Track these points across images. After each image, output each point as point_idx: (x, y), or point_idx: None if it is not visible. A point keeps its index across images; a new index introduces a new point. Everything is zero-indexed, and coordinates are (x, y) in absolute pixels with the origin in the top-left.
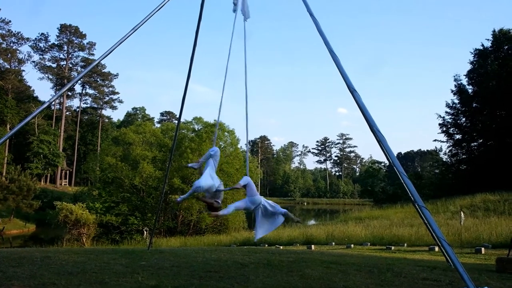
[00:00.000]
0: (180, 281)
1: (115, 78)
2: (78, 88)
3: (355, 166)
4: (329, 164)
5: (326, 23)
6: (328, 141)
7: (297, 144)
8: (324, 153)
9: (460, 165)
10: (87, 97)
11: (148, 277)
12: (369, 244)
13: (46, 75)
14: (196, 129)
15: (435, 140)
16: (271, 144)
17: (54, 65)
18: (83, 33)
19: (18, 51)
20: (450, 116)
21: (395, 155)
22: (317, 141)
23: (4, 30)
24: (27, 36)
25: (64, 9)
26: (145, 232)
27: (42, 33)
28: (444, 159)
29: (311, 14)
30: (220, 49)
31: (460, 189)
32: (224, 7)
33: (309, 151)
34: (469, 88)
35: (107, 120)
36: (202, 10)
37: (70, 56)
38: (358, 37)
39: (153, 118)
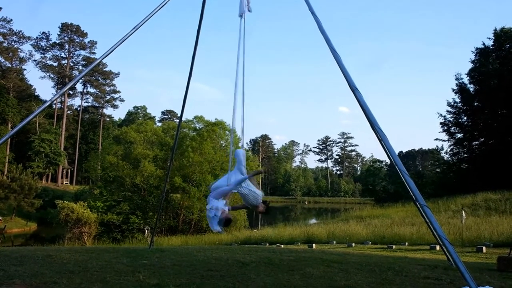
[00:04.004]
0: (182, 280)
1: (116, 77)
2: (79, 87)
3: (356, 165)
4: (330, 163)
5: (328, 22)
6: (329, 140)
7: (298, 143)
8: (325, 152)
9: (461, 164)
10: (88, 96)
11: (150, 276)
12: (370, 243)
13: (47, 74)
14: (197, 127)
15: (436, 139)
16: (272, 143)
17: (55, 64)
18: (84, 31)
19: (19, 50)
20: (451, 115)
21: (397, 154)
22: (318, 140)
23: (6, 29)
24: (28, 35)
25: (65, 8)
26: (146, 231)
27: (43, 32)
28: (446, 158)
29: (313, 13)
30: (222, 47)
31: (461, 188)
32: (225, 6)
33: (310, 150)
34: (471, 87)
35: (108, 119)
36: (203, 9)
37: (71, 55)
38: (359, 35)
39: (154, 117)
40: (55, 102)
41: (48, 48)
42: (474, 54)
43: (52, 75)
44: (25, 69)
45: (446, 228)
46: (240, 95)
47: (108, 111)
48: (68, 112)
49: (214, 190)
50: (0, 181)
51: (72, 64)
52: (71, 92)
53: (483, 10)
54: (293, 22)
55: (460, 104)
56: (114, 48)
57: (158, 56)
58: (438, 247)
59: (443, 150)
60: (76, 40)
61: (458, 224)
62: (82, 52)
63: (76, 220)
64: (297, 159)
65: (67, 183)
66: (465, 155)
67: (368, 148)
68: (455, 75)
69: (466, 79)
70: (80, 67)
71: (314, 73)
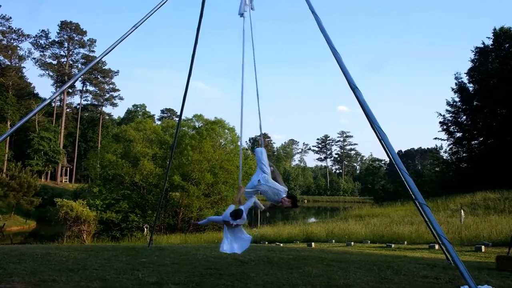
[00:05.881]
0: (181, 278)
1: (115, 75)
2: (78, 85)
3: (355, 164)
4: (329, 162)
5: (328, 21)
6: (328, 138)
7: (298, 142)
8: (325, 150)
9: (460, 163)
10: (87, 94)
11: (149, 274)
12: (369, 242)
13: (47, 72)
14: (197, 126)
15: (435, 138)
16: (272, 142)
17: (54, 62)
18: (84, 30)
19: (18, 48)
20: (450, 114)
21: (396, 153)
22: (318, 139)
23: (5, 26)
24: (28, 32)
25: (64, 6)
26: (145, 229)
27: (42, 30)
28: (445, 157)
29: (313, 12)
30: (222, 46)
31: (460, 187)
32: (225, 5)
33: (309, 149)
34: (470, 86)
35: (107, 117)
36: (203, 8)
37: (70, 53)
38: (359, 35)
39: (153, 115)
40: (54, 100)
41: (47, 46)
42: (473, 53)
43: (51, 73)
44: (24, 67)
45: (445, 227)
46: (244, 94)
47: (107, 109)
48: (68, 110)
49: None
50: None
51: (71, 62)
52: (70, 90)
53: (482, 10)
54: (293, 20)
55: (459, 104)
56: (114, 46)
57: (157, 55)
58: (437, 246)
59: (442, 149)
60: (76, 38)
61: (457, 223)
62: (82, 50)
63: (75, 218)
64: (297, 158)
65: (66, 181)
66: (464, 154)
67: (368, 147)
68: (455, 75)
69: (465, 79)
70: (80, 65)
71: (313, 72)
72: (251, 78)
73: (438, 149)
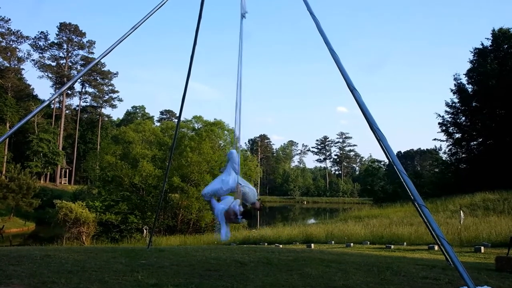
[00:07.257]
0: (180, 279)
1: (114, 77)
2: (77, 86)
3: (354, 165)
4: (328, 163)
5: (326, 22)
6: (327, 140)
7: (297, 143)
8: (324, 152)
9: (459, 164)
10: (86, 96)
11: (148, 275)
12: (368, 243)
13: (46, 74)
14: (196, 127)
15: (435, 139)
16: (271, 143)
17: (53, 64)
18: (83, 31)
19: (17, 50)
20: (449, 115)
21: (395, 154)
22: (317, 140)
23: (4, 28)
24: (27, 34)
25: (63, 8)
26: (144, 230)
27: (41, 32)
28: (444, 158)
29: (311, 13)
30: (220, 47)
31: (459, 188)
32: (224, 6)
33: (308, 150)
34: (469, 87)
35: (106, 119)
36: (202, 9)
37: (69, 54)
38: (358, 36)
39: (152, 116)
40: (53, 101)
41: (46, 48)
42: (472, 54)
43: (50, 75)
44: (23, 69)
45: (445, 228)
46: (240, 95)
47: (106, 111)
48: (67, 111)
49: (209, 194)
50: None
51: (70, 64)
52: (69, 91)
53: (481, 11)
54: (291, 21)
55: (458, 104)
56: (113, 48)
57: (157, 56)
58: (436, 247)
59: (441, 150)
60: (75, 39)
61: (457, 224)
62: (81, 52)
63: (75, 220)
64: (296, 159)
65: (65, 183)
66: (463, 155)
67: (367, 148)
68: (454, 76)
69: (464, 80)
70: (79, 67)
71: (312, 73)
72: (248, 79)
73: (437, 150)
